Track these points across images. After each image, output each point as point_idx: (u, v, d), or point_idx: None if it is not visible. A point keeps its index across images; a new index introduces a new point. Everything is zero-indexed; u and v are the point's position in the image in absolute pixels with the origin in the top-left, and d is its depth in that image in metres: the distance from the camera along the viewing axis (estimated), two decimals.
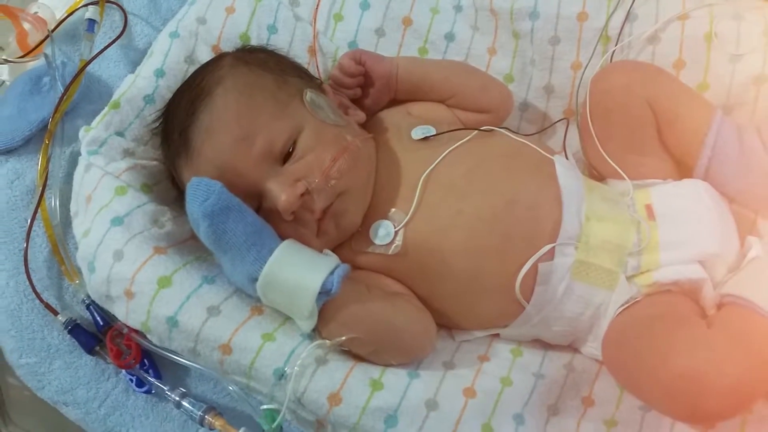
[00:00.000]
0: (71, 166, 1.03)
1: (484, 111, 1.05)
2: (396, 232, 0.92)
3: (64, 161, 1.04)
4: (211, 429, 0.90)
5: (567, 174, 0.95)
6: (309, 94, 0.95)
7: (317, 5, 1.15)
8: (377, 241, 0.93)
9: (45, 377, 0.97)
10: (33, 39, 1.14)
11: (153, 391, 0.96)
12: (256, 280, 0.84)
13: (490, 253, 0.91)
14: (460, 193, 0.93)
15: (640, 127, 0.97)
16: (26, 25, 1.15)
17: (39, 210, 1.00)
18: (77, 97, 1.08)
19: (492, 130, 1.00)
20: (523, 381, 0.90)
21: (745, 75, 0.99)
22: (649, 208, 0.93)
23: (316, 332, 0.88)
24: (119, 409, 0.97)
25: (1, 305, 0.98)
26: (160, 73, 1.06)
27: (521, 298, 0.91)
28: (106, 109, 1.02)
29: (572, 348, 0.97)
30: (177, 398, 0.92)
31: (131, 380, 0.96)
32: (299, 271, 0.83)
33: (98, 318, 0.96)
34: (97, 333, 0.97)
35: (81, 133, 1.01)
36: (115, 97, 1.04)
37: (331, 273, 0.83)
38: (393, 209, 0.93)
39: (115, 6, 1.17)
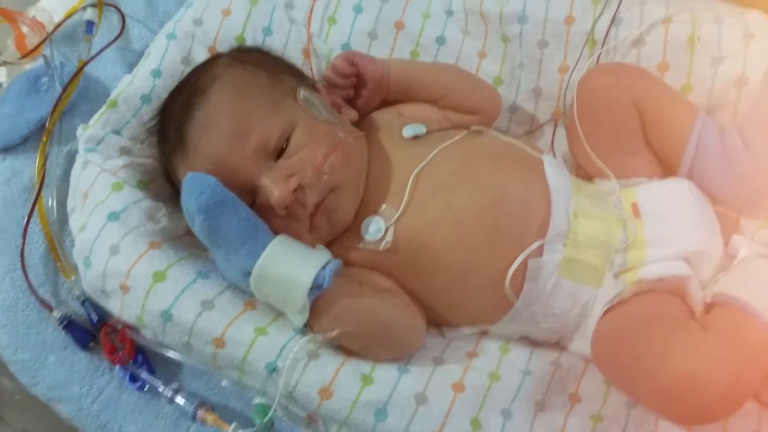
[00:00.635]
0: (68, 165, 1.05)
1: (474, 112, 1.07)
2: (387, 229, 0.94)
3: (62, 160, 1.06)
4: (203, 424, 0.91)
5: (555, 172, 0.97)
6: (302, 92, 0.97)
7: (311, 8, 1.18)
8: (368, 237, 0.94)
9: (39, 373, 0.98)
10: (31, 42, 1.16)
11: (146, 387, 0.97)
12: (249, 274, 0.85)
13: (480, 248, 0.92)
14: (450, 189, 0.94)
15: (626, 127, 0.99)
16: (24, 29, 1.16)
17: (36, 207, 1.02)
18: (75, 97, 1.09)
19: (481, 130, 1.02)
20: (510, 377, 0.91)
21: (727, 77, 1.02)
22: (635, 207, 0.95)
23: (307, 327, 0.89)
24: (112, 405, 0.98)
25: None
26: (156, 74, 1.08)
27: (511, 293, 0.92)
28: (104, 108, 1.04)
29: (559, 346, 0.99)
30: (170, 393, 0.93)
31: (125, 376, 0.97)
32: (292, 265, 0.85)
33: (93, 314, 0.97)
34: (92, 329, 0.98)
35: (78, 131, 1.03)
36: (112, 96, 1.06)
37: (323, 268, 0.85)
38: (384, 205, 0.95)
39: (113, 8, 1.19)
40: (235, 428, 0.87)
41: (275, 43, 1.13)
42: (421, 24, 1.17)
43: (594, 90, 1.01)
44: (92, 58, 1.12)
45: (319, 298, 0.86)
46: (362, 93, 1.07)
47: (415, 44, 1.17)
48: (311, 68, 1.14)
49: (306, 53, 1.15)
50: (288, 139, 0.92)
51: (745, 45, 1.01)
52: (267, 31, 1.14)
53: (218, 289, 0.91)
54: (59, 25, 1.17)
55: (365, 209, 0.96)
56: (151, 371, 0.96)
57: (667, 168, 1.00)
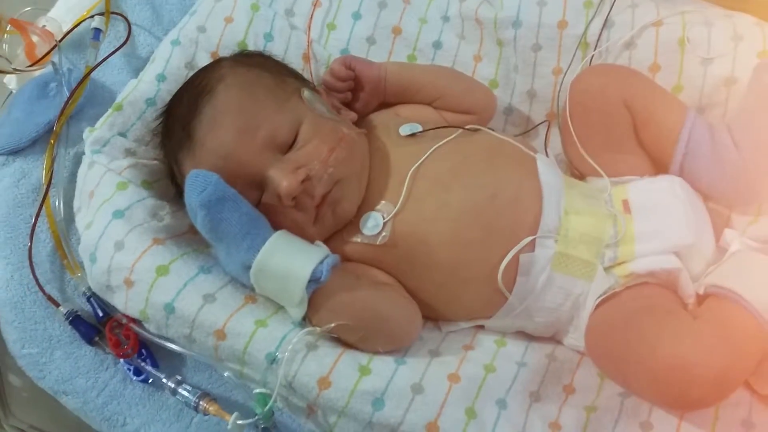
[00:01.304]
0: (75, 166, 1.07)
1: (469, 112, 1.09)
2: (384, 224, 0.96)
3: (68, 161, 1.08)
4: (205, 414, 0.92)
5: (547, 170, 0.99)
6: (306, 92, 1.00)
7: (311, 15, 1.20)
8: (366, 232, 0.96)
9: (46, 367, 1.00)
10: (40, 50, 1.18)
11: (150, 380, 0.99)
12: (249, 267, 0.87)
13: (474, 243, 0.94)
14: (446, 186, 0.96)
15: (617, 126, 1.01)
16: (34, 38, 1.19)
17: (43, 207, 1.04)
18: (82, 101, 1.12)
19: (477, 129, 1.04)
20: (506, 368, 0.92)
21: (716, 77, 1.04)
22: (626, 203, 0.97)
23: (306, 320, 0.91)
24: (117, 398, 1.00)
25: (5, 297, 1.01)
26: (161, 78, 1.11)
27: (504, 288, 0.94)
28: (110, 111, 1.07)
29: (554, 340, 1.00)
30: (173, 385, 0.94)
31: (129, 369, 0.99)
32: (290, 259, 0.87)
33: (98, 309, 0.99)
34: (97, 324, 1.00)
35: (85, 133, 1.06)
36: (118, 99, 1.09)
37: (321, 262, 0.87)
38: (383, 201, 0.97)
39: (120, 17, 1.23)
40: (236, 418, 0.88)
41: (276, 49, 1.16)
42: (418, 29, 1.20)
43: (586, 91, 1.03)
44: (98, 64, 1.15)
45: (316, 292, 0.88)
46: (360, 96, 1.10)
47: (413, 48, 1.20)
48: (311, 72, 1.17)
49: (306, 58, 1.17)
50: (296, 135, 0.95)
51: (734, 46, 1.04)
52: (268, 37, 1.17)
53: (220, 283, 0.93)
54: (68, 33, 1.20)
55: (364, 205, 0.98)
56: (155, 365, 0.98)
57: (658, 166, 1.02)
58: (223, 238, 0.89)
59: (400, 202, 0.95)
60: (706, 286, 0.89)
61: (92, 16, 1.21)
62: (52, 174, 1.07)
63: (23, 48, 1.19)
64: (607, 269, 0.94)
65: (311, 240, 0.92)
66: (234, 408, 0.92)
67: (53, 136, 1.09)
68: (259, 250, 0.87)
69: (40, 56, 1.18)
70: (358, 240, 0.97)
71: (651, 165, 1.03)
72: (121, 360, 0.99)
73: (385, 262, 0.97)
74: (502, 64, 1.17)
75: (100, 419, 1.00)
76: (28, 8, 1.22)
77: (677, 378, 0.78)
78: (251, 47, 1.16)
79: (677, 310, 0.88)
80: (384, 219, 0.96)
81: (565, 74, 1.12)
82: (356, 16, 1.22)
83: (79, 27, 1.21)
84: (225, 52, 1.14)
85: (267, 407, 0.88)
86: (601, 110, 1.02)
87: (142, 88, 1.10)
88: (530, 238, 0.93)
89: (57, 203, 1.05)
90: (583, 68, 1.10)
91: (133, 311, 0.94)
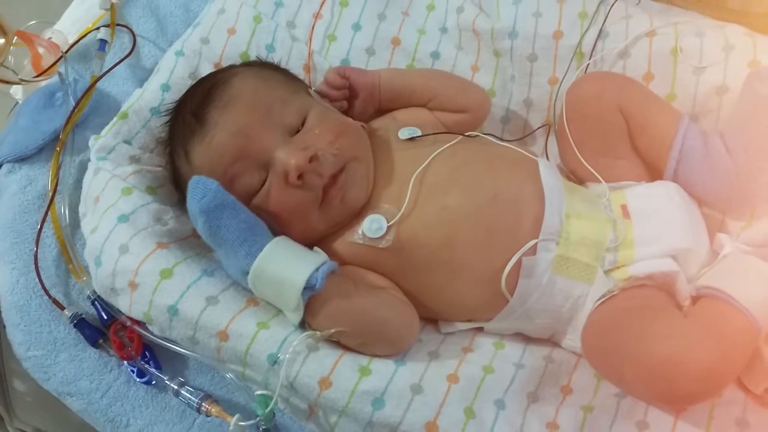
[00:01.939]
0: (80, 174, 1.09)
1: (463, 111, 1.11)
2: (389, 228, 0.96)
3: (74, 169, 1.10)
4: (207, 416, 0.93)
5: (549, 173, 1.00)
6: (313, 91, 1.04)
7: (313, 27, 1.23)
8: (369, 234, 0.97)
9: (51, 369, 1.01)
10: (46, 62, 1.21)
11: (153, 382, 1.00)
12: (247, 273, 0.89)
13: (475, 246, 0.95)
14: (445, 191, 0.97)
15: (613, 132, 1.03)
16: (41, 50, 1.22)
17: (49, 213, 1.06)
18: (87, 110, 1.14)
19: (477, 135, 1.06)
20: (504, 370, 0.93)
21: (709, 86, 1.05)
22: (624, 208, 0.98)
23: (306, 325, 0.92)
24: (120, 400, 1.01)
25: (11, 301, 1.03)
26: (165, 88, 1.13)
27: (506, 290, 0.95)
28: (115, 119, 1.09)
29: (552, 342, 1.01)
30: (176, 387, 0.95)
31: (133, 371, 1.00)
32: (287, 266, 0.88)
33: (102, 313, 1.01)
34: (102, 327, 1.01)
35: (91, 141, 1.08)
36: (123, 108, 1.11)
37: (317, 269, 0.88)
38: (386, 205, 0.98)
39: (125, 29, 1.25)
40: (238, 419, 0.89)
41: (277, 60, 1.17)
42: (417, 40, 1.22)
43: (582, 98, 1.05)
44: (104, 74, 1.17)
45: (313, 298, 0.89)
46: (355, 104, 1.12)
47: (411, 59, 1.22)
48: (310, 83, 1.19)
49: (307, 68, 1.20)
50: (303, 122, 0.98)
51: (726, 55, 1.05)
52: (270, 48, 1.20)
53: (222, 286, 0.95)
54: (74, 44, 1.23)
55: (367, 207, 0.99)
56: (158, 367, 1.00)
57: (653, 171, 1.04)
58: (222, 243, 0.90)
59: (404, 206, 0.96)
60: (698, 288, 0.91)
61: (98, 28, 1.23)
62: (57, 181, 1.08)
63: (29, 59, 1.22)
64: (606, 272, 0.95)
65: (313, 228, 0.94)
66: (236, 409, 0.94)
67: (59, 144, 1.11)
68: (256, 257, 0.88)
69: (45, 67, 1.20)
70: (360, 241, 0.97)
71: (646, 170, 1.04)
72: (125, 362, 1.00)
73: (385, 265, 0.98)
74: (499, 74, 1.19)
75: (104, 420, 1.01)
76: (34, 21, 1.25)
77: (667, 373, 0.79)
78: (253, 58, 1.18)
79: (669, 309, 0.90)
80: (388, 223, 0.96)
81: (561, 83, 1.14)
82: (356, 27, 1.24)
83: (85, 38, 1.23)
84: (228, 63, 1.16)
85: (268, 409, 0.89)
86: (597, 116, 1.03)
87: (147, 97, 1.12)
88: (534, 241, 0.94)
89: (62, 209, 1.07)
90: (578, 77, 1.11)
91: (137, 313, 0.96)
